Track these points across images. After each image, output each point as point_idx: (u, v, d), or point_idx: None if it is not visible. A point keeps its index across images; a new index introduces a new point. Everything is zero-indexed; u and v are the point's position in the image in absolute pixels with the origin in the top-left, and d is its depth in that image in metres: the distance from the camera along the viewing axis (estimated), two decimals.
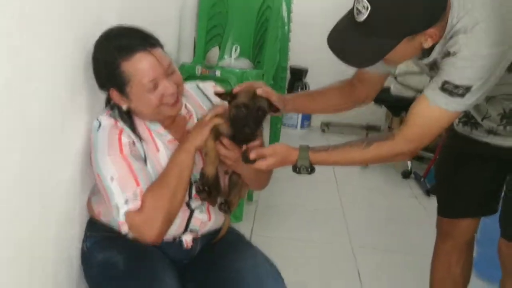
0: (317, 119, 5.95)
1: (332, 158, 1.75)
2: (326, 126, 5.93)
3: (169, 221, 1.66)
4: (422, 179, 4.32)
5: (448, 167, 2.15)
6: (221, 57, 3.50)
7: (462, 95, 1.56)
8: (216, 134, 1.74)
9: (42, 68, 1.41)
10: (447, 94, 1.57)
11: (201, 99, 1.91)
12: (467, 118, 2.00)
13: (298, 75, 5.56)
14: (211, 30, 3.50)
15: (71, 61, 1.62)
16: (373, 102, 5.25)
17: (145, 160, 1.72)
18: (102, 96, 1.79)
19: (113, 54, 1.64)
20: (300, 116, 5.71)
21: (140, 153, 1.71)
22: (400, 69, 4.56)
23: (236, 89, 1.78)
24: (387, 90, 4.69)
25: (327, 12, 5.28)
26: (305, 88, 5.78)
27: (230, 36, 3.48)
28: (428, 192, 4.09)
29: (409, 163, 4.53)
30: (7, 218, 1.32)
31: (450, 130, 2.12)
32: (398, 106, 4.67)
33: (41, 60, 1.40)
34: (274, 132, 4.46)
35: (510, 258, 1.93)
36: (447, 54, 1.57)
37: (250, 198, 3.65)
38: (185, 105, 1.83)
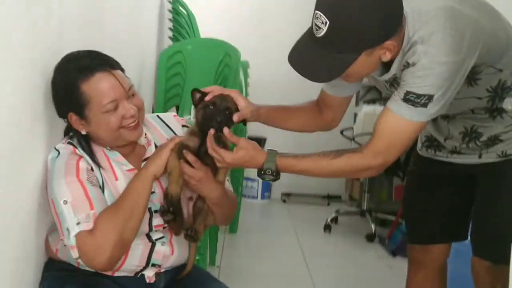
0: (277, 190, 5.91)
1: (299, 165, 1.71)
2: (286, 197, 5.89)
3: (121, 247, 1.56)
4: (386, 241, 4.28)
5: (414, 191, 2.14)
6: (180, 116, 3.47)
7: (425, 105, 1.57)
8: (179, 153, 1.69)
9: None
10: (410, 105, 1.58)
11: (162, 128, 1.87)
12: (430, 141, 2.02)
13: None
14: (170, 90, 3.50)
15: (30, 94, 1.56)
16: None
17: (102, 188, 1.64)
18: (60, 129, 1.73)
19: (73, 75, 1.60)
20: (260, 187, 5.67)
21: (98, 180, 1.64)
22: (358, 130, 4.62)
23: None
24: None
25: (283, 82, 5.47)
26: None
27: (189, 95, 3.47)
28: (393, 253, 4.05)
29: (372, 226, 4.49)
30: None
31: (414, 155, 2.13)
32: None
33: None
34: None
35: (483, 275, 1.90)
36: (407, 65, 1.60)
37: (213, 262, 3.55)
38: (145, 134, 1.78)
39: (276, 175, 1.70)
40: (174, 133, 1.86)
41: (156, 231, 1.71)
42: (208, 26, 4.30)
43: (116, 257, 1.56)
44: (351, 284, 3.66)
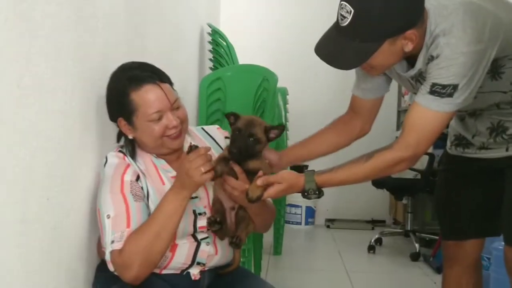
0: (321, 216, 5.97)
1: (337, 177, 1.80)
2: (330, 222, 5.94)
3: (147, 267, 1.66)
4: (431, 258, 4.29)
5: (446, 189, 2.20)
6: None
7: (450, 95, 1.65)
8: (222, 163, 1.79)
9: (53, 112, 1.49)
10: (437, 96, 1.67)
11: (206, 139, 1.99)
12: (458, 140, 2.10)
13: (298, 171, 5.63)
14: (211, 116, 3.64)
15: (80, 104, 1.70)
16: (376, 194, 5.35)
17: (147, 194, 1.76)
18: (108, 138, 1.87)
19: (124, 84, 1.75)
20: (304, 213, 5.73)
21: (142, 190, 1.75)
22: None
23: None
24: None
25: (321, 109, 5.58)
26: None
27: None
28: (438, 270, 4.04)
29: (417, 246, 4.50)
30: (14, 261, 1.30)
31: (444, 154, 2.21)
32: (400, 189, 4.73)
33: (50, 103, 1.47)
34: (277, 229, 4.48)
35: None
36: (431, 58, 1.69)
37: None
38: (190, 143, 1.90)
39: (319, 192, 1.79)
40: (218, 144, 1.97)
41: (201, 231, 1.82)
42: (247, 56, 4.45)
43: (143, 275, 1.65)
44: None
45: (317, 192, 1.79)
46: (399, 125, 5.81)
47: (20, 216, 1.31)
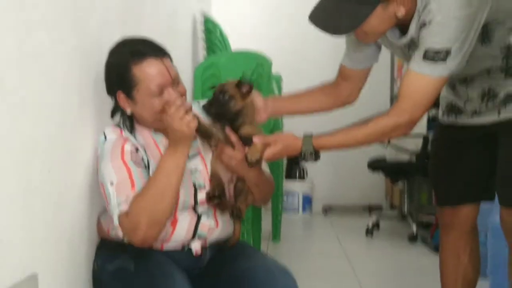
0: (318, 203, 5.99)
1: (334, 140, 1.84)
2: (328, 209, 5.96)
3: (154, 227, 1.67)
4: (429, 239, 4.32)
5: (440, 157, 2.23)
6: None
7: (444, 59, 1.69)
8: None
9: (53, 82, 1.50)
10: (430, 61, 1.70)
11: (202, 113, 2.00)
12: (450, 107, 2.12)
13: (295, 159, 5.67)
14: None
15: (78, 78, 1.71)
16: (372, 180, 5.38)
17: (148, 166, 1.78)
18: (106, 112, 1.87)
19: (126, 58, 1.75)
20: (300, 201, 5.76)
21: (143, 159, 1.77)
22: None
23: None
24: (383, 158, 4.80)
25: None
26: (304, 173, 5.88)
27: None
28: (436, 248, 4.06)
29: (414, 227, 4.54)
30: (14, 239, 1.28)
31: (436, 124, 2.25)
32: (395, 172, 4.76)
33: (51, 73, 1.48)
34: (275, 216, 4.50)
35: None
36: (423, 25, 1.72)
37: None
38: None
39: (316, 155, 1.82)
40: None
41: (201, 205, 1.83)
42: (241, 42, 4.45)
43: (152, 236, 1.67)
44: (399, 277, 3.75)
45: (313, 155, 1.82)
46: None
47: (23, 187, 1.32)
